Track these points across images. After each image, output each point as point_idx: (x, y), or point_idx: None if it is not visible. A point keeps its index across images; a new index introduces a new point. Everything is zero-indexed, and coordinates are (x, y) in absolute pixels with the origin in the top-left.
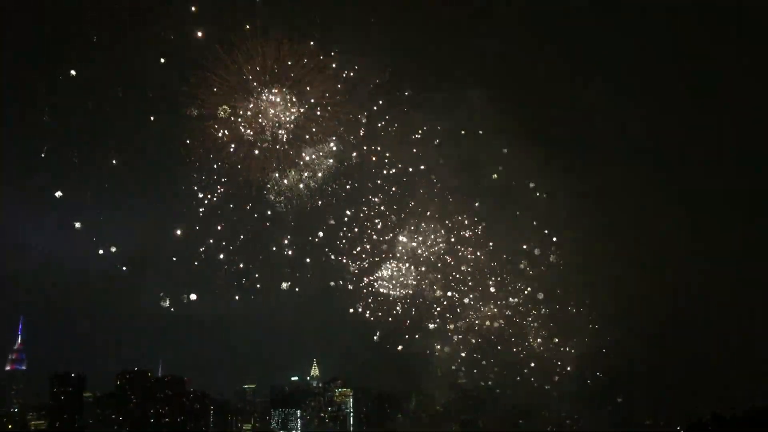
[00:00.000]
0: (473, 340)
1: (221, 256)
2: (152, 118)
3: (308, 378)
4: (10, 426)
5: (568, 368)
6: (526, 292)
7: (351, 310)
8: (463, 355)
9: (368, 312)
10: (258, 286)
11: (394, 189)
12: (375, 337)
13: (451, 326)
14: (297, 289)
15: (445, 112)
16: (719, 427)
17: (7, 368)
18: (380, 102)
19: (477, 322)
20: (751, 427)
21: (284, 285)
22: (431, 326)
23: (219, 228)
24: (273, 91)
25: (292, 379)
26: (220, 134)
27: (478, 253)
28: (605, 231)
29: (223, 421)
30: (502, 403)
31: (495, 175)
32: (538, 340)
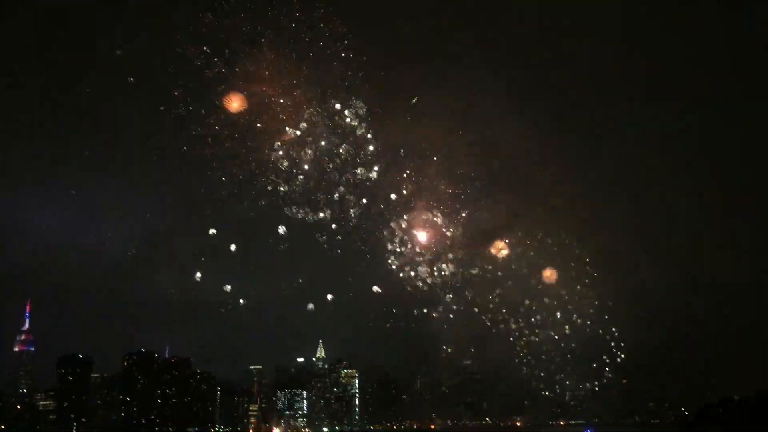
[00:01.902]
0: (479, 323)
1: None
2: (162, 108)
3: (314, 359)
4: (18, 407)
5: (573, 351)
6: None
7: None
8: (468, 337)
9: (376, 294)
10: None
11: (407, 171)
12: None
13: (458, 308)
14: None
15: (457, 94)
16: (728, 410)
17: (16, 349)
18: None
19: (484, 305)
20: (760, 410)
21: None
22: (438, 309)
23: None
24: (284, 78)
25: (298, 360)
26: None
27: (488, 235)
28: (615, 217)
29: (229, 401)
30: (508, 385)
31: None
32: (543, 321)
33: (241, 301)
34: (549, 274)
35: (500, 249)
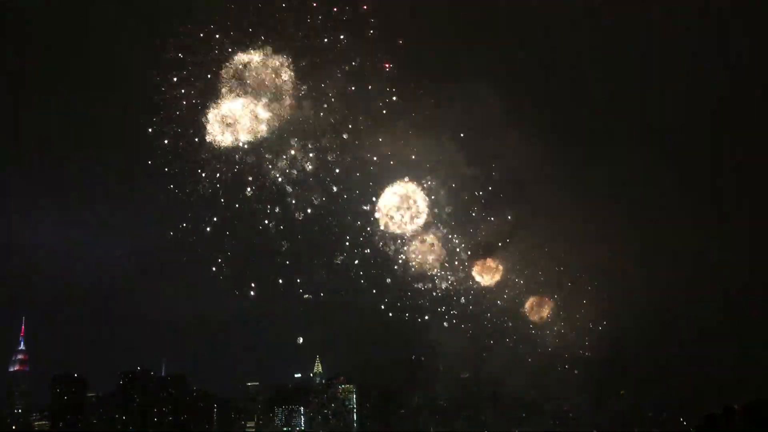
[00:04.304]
0: (477, 335)
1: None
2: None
3: (311, 375)
4: (14, 427)
5: (572, 362)
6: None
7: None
8: (465, 349)
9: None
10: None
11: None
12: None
13: (455, 320)
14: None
15: (456, 104)
16: (730, 419)
17: (12, 369)
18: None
19: (482, 317)
20: (760, 418)
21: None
22: (432, 320)
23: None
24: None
25: (296, 376)
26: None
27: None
28: (613, 222)
29: (226, 419)
30: (506, 398)
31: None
32: (542, 333)
33: None
34: (548, 287)
35: (498, 263)
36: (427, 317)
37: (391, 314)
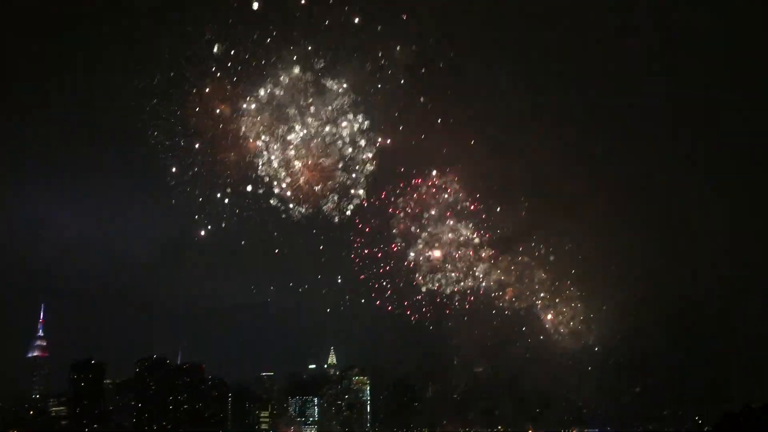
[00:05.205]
0: (493, 329)
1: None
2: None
3: (325, 366)
4: (31, 412)
5: (587, 359)
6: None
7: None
8: (480, 344)
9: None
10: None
11: (426, 173)
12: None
13: (472, 314)
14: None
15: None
16: (749, 419)
17: (31, 355)
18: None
19: (499, 311)
20: None
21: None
22: (448, 314)
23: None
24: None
25: (310, 367)
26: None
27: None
28: (633, 217)
29: (241, 408)
30: (520, 391)
31: None
32: (559, 328)
33: None
34: (565, 284)
35: (515, 258)
36: (442, 312)
37: (406, 309)
